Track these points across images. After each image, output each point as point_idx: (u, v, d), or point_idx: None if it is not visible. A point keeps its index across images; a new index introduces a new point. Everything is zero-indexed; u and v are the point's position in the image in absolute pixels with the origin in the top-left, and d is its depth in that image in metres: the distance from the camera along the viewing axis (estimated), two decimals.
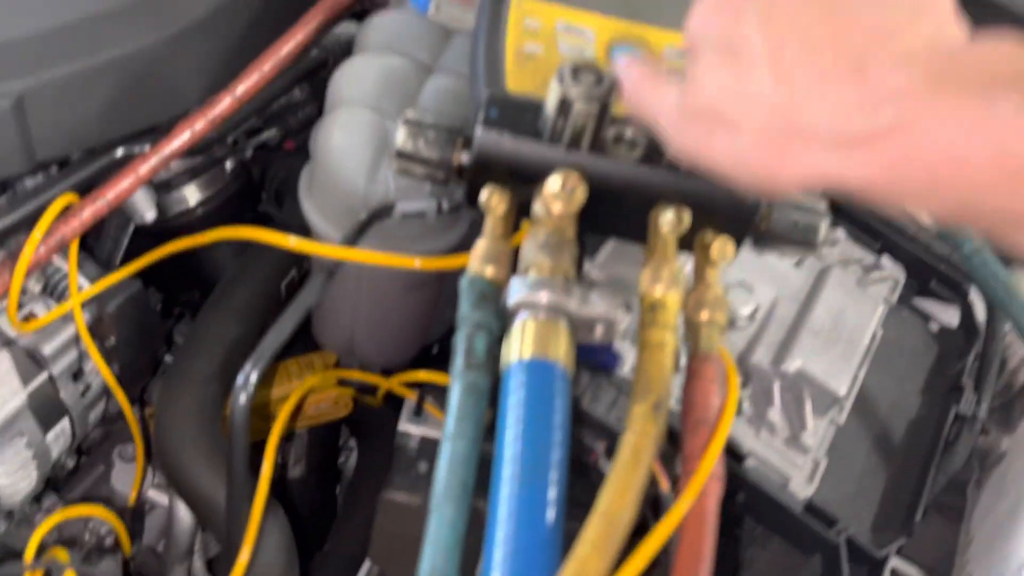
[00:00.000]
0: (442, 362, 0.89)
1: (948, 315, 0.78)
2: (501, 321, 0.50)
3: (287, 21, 0.77)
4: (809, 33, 0.38)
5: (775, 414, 0.64)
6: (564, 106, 0.51)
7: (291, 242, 0.62)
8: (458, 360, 0.48)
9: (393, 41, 0.74)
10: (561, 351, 0.46)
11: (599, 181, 0.55)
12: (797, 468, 0.63)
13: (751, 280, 0.68)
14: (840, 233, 0.75)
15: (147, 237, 0.81)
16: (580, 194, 0.51)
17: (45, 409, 0.71)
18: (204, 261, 0.89)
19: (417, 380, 0.73)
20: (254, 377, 0.56)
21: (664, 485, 0.54)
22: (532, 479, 0.41)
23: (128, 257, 0.82)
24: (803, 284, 0.70)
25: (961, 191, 0.34)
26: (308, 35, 0.76)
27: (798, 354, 0.65)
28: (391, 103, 0.69)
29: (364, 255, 0.60)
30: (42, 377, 0.70)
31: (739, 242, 0.58)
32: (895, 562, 0.64)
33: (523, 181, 0.55)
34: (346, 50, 0.86)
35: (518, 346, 0.46)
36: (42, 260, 0.63)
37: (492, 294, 0.51)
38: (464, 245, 0.71)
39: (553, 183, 0.51)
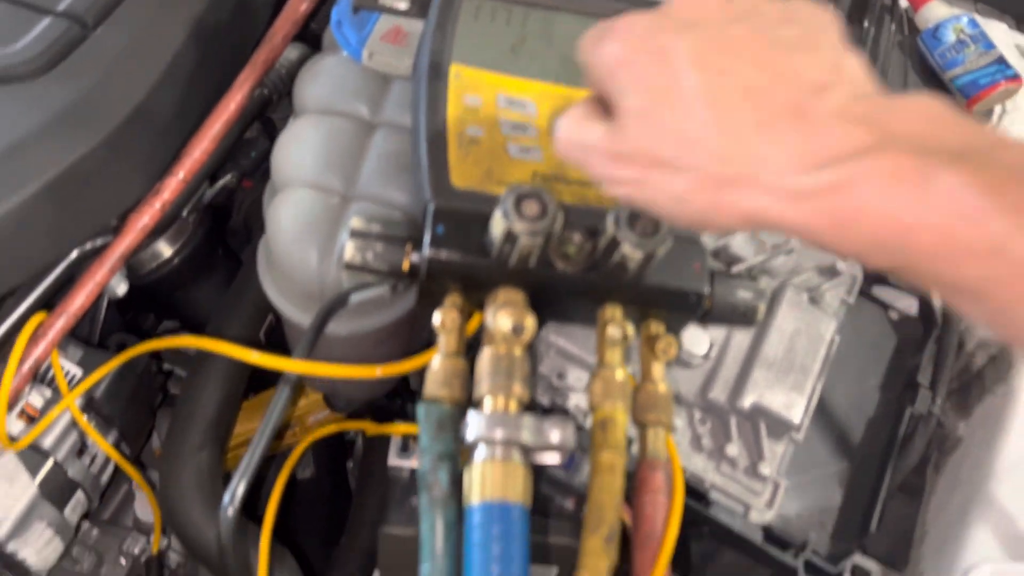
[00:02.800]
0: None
1: (906, 303, 0.80)
2: (459, 445, 0.53)
3: (220, 84, 0.76)
4: (747, 78, 0.37)
5: (733, 448, 0.68)
6: (509, 238, 0.52)
7: (252, 357, 0.64)
8: (423, 496, 0.52)
9: (332, 97, 0.73)
10: (519, 490, 0.50)
11: (547, 289, 0.56)
12: (756, 496, 0.67)
13: None
14: (796, 241, 0.76)
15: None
16: (530, 330, 0.53)
17: (57, 491, 0.76)
18: (186, 304, 0.91)
19: (398, 431, 0.77)
20: (240, 492, 0.60)
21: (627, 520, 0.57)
22: None
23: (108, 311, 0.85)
24: None
25: (904, 256, 0.35)
26: (244, 98, 0.75)
27: (752, 389, 0.68)
28: (336, 177, 0.69)
29: (326, 369, 0.62)
30: (48, 465, 0.75)
31: (682, 328, 0.60)
32: (860, 561, 0.70)
33: (472, 288, 0.57)
34: (288, 82, 0.84)
35: (478, 487, 0.50)
36: (20, 388, 0.66)
37: (450, 419, 0.54)
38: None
39: (504, 320, 0.53)
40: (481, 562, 0.48)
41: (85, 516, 0.89)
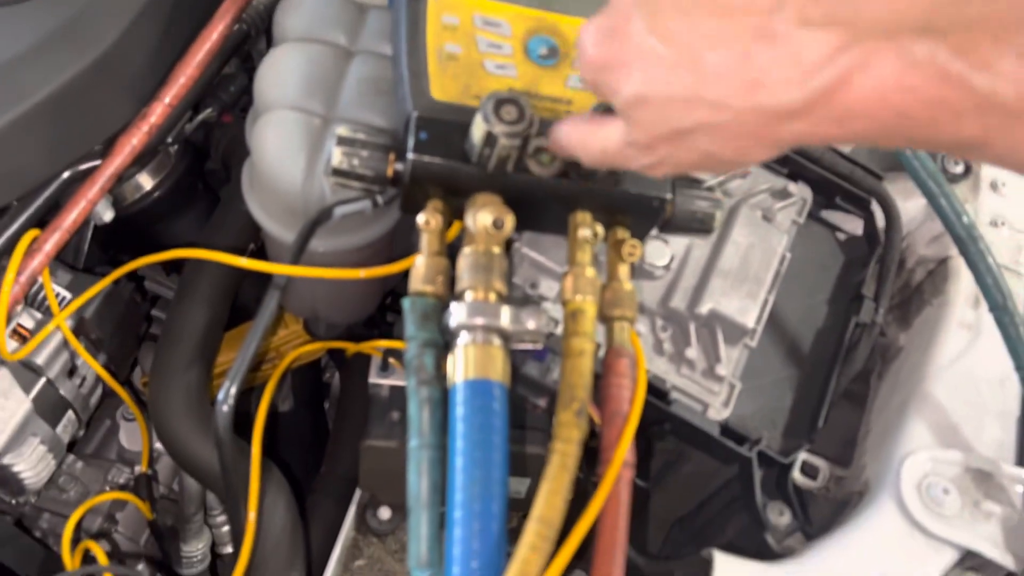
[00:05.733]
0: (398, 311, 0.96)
1: (853, 225, 0.86)
2: (443, 334, 0.57)
3: (203, 15, 0.78)
4: (708, 27, 0.39)
5: (692, 352, 0.73)
6: (489, 139, 0.56)
7: (243, 262, 0.68)
8: (411, 379, 0.56)
9: (311, 26, 0.76)
10: (498, 370, 0.54)
11: (523, 194, 0.60)
12: (714, 395, 0.73)
13: None
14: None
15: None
16: (509, 225, 0.57)
17: (49, 408, 0.79)
18: (167, 238, 0.94)
19: (380, 345, 0.81)
20: (233, 391, 0.64)
21: (597, 419, 0.62)
22: (480, 493, 0.50)
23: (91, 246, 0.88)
24: None
25: (907, 131, 0.37)
26: (226, 27, 0.78)
27: (709, 297, 0.73)
28: (317, 101, 0.72)
29: (313, 271, 0.66)
30: (41, 382, 0.78)
31: (646, 234, 0.65)
32: (804, 456, 0.76)
33: (453, 194, 0.61)
34: (266, 17, 0.87)
35: (461, 368, 0.54)
36: (18, 298, 0.68)
37: (434, 311, 0.58)
38: (400, 225, 0.76)
39: (485, 216, 0.57)
40: (466, 433, 0.53)
41: (72, 443, 0.92)
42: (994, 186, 0.84)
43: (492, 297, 0.57)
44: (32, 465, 0.78)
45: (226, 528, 1.01)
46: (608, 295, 0.61)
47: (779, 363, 0.79)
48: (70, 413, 0.82)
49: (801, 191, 0.82)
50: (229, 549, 1.02)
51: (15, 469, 0.77)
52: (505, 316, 0.56)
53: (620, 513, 0.53)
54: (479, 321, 0.55)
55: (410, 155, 0.59)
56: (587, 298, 0.59)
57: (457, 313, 0.56)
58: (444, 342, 0.57)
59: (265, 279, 0.82)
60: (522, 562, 0.48)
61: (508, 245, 0.64)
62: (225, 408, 0.64)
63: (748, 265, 0.75)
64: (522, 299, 0.72)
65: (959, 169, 0.84)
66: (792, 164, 0.82)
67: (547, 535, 0.49)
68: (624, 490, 0.54)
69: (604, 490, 0.53)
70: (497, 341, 0.55)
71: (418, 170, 0.59)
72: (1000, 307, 0.68)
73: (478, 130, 0.56)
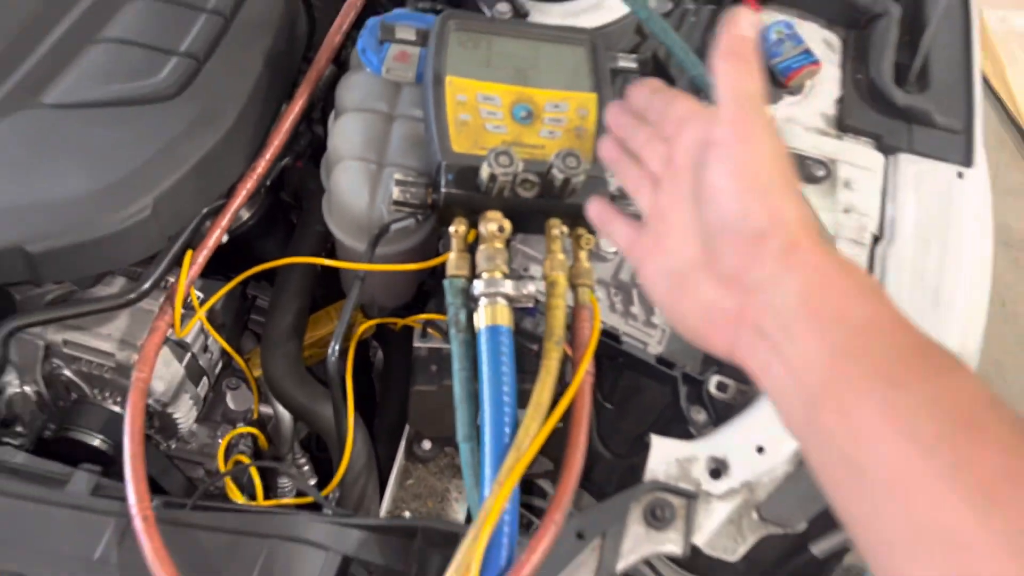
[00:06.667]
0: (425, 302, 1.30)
1: None
2: (470, 301, 0.92)
3: (284, 92, 1.13)
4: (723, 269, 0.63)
5: (635, 308, 1.08)
6: (492, 178, 0.90)
7: (328, 263, 1.02)
8: (452, 329, 0.90)
9: (363, 100, 1.10)
10: (506, 319, 0.89)
11: (515, 209, 0.95)
12: (651, 337, 1.07)
13: None
14: None
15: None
16: (507, 229, 0.92)
17: (193, 375, 1.13)
18: (256, 254, 1.28)
19: (421, 318, 1.15)
20: (337, 348, 0.98)
21: (570, 352, 0.96)
22: (499, 400, 0.84)
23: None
24: None
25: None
26: (304, 102, 1.12)
27: None
28: (372, 152, 1.06)
29: (382, 267, 1.00)
30: (188, 356, 1.12)
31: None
32: (717, 377, 1.10)
33: (471, 212, 0.95)
34: (325, 91, 1.22)
35: (483, 319, 0.89)
36: (185, 296, 1.03)
37: (463, 287, 0.92)
38: (432, 236, 1.11)
39: (492, 225, 0.91)
40: (488, 359, 0.87)
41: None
42: (847, 184, 1.19)
43: (499, 275, 0.91)
44: (185, 414, 1.13)
45: (307, 468, 1.36)
46: (574, 271, 0.96)
47: None
48: (204, 379, 1.16)
49: None
50: (310, 482, 1.37)
51: (175, 416, 1.11)
52: (509, 286, 0.90)
53: (585, 404, 0.88)
54: (492, 290, 0.89)
55: (443, 190, 0.93)
56: (560, 273, 0.93)
57: (479, 286, 0.90)
58: (470, 307, 0.91)
59: (330, 281, 1.17)
60: (526, 427, 0.82)
61: (507, 243, 0.98)
62: (334, 358, 0.99)
63: None
64: (517, 277, 1.07)
65: (821, 172, 1.18)
66: None
67: (541, 412, 0.84)
68: (587, 389, 0.89)
69: (575, 383, 0.88)
70: (504, 302, 0.90)
71: (448, 199, 0.94)
72: None
73: (485, 172, 0.91)
